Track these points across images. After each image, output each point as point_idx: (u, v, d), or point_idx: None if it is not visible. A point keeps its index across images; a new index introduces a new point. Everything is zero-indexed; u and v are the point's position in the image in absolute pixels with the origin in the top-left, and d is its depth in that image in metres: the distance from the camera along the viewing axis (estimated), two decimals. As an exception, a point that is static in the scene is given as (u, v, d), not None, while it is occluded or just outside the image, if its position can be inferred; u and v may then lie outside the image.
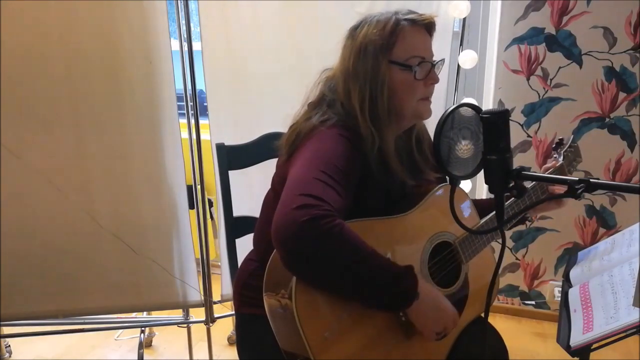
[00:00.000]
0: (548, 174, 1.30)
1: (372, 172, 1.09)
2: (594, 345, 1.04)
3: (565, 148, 1.34)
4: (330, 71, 1.18)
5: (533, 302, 2.45)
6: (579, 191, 0.74)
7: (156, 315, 2.15)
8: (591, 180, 0.74)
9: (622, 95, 2.10)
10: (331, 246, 0.90)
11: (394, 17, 1.09)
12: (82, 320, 1.94)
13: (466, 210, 1.26)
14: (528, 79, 2.18)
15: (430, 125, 1.02)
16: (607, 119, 2.14)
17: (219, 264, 1.93)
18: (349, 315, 0.99)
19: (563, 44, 2.10)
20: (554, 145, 1.37)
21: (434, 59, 1.14)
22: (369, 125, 1.08)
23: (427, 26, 1.13)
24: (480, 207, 1.29)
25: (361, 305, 1.00)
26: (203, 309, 1.95)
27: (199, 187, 1.87)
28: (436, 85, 1.15)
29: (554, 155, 1.35)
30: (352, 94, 1.09)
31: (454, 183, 0.85)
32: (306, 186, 0.94)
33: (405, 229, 1.11)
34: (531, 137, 2.24)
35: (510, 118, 0.86)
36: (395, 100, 1.10)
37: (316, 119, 1.11)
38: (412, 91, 1.11)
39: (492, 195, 0.84)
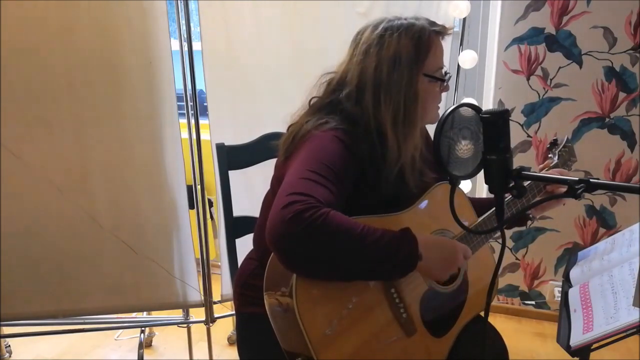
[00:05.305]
0: (544, 173, 1.31)
1: (372, 174, 1.09)
2: (594, 345, 1.04)
3: (559, 148, 1.35)
4: (335, 75, 1.16)
5: (533, 302, 2.45)
6: (579, 191, 0.74)
7: (156, 315, 2.15)
8: (591, 180, 0.74)
9: (622, 95, 2.10)
10: (321, 235, 0.90)
11: (427, 28, 1.09)
12: (82, 320, 1.94)
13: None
14: (528, 79, 2.18)
15: (431, 126, 1.02)
16: (607, 119, 2.14)
17: (219, 264, 1.94)
18: (349, 313, 1.00)
19: (563, 44, 2.10)
20: (548, 145, 1.39)
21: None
22: (398, 139, 1.07)
23: (444, 36, 1.14)
24: (479, 205, 1.29)
25: (369, 281, 1.00)
26: (203, 309, 1.95)
27: (199, 187, 1.87)
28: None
29: (549, 155, 1.37)
30: (384, 105, 1.07)
31: (454, 183, 0.85)
32: (293, 187, 0.95)
33: (404, 226, 1.11)
34: (531, 137, 2.24)
35: (510, 118, 0.86)
36: (421, 110, 1.11)
37: (312, 123, 1.10)
38: (435, 100, 1.15)
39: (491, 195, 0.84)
